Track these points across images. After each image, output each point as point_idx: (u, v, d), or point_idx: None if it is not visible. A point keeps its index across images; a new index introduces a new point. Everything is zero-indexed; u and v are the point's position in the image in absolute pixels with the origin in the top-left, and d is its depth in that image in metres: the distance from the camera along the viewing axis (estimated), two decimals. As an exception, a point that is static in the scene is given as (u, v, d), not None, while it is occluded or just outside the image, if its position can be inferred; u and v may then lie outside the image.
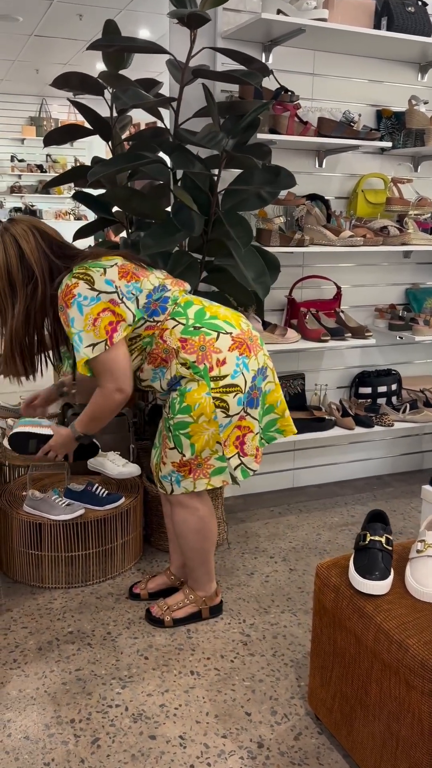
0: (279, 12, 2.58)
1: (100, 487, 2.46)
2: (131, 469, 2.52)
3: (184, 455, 1.97)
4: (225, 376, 1.92)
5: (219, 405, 1.93)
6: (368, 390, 3.26)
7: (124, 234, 2.98)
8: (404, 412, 3.18)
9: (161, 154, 2.49)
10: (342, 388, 3.36)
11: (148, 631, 2.17)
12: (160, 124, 2.61)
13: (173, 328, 1.94)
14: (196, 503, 2.06)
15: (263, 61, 2.74)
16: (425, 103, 3.02)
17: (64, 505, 2.36)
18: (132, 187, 2.59)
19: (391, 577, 1.61)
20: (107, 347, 1.86)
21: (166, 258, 2.43)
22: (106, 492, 2.46)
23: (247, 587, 2.46)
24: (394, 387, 3.32)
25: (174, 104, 2.39)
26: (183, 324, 1.94)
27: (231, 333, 1.95)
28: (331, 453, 3.42)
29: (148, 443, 3.13)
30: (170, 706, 1.85)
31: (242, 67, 2.51)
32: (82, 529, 2.36)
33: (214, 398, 1.92)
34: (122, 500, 2.46)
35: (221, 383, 1.92)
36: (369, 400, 3.26)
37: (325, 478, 3.44)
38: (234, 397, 1.93)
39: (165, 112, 2.66)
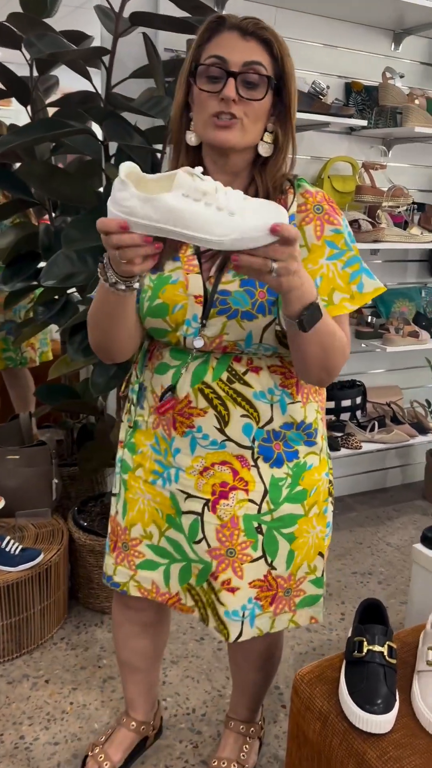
0: None
1: (12, 542, 1.96)
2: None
3: (274, 569, 1.27)
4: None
5: (330, 492, 1.35)
6: (331, 404, 2.87)
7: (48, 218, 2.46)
8: (372, 430, 2.80)
9: (94, 126, 1.99)
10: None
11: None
12: (90, 88, 2.10)
13: None
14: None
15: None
16: (401, 77, 2.60)
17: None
18: (54, 164, 2.07)
19: (397, 703, 1.20)
20: None
21: (98, 255, 1.93)
22: (20, 547, 1.97)
23: (197, 659, 2.03)
24: (358, 400, 2.93)
25: (106, 60, 1.88)
26: None
27: None
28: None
29: (74, 469, 2.64)
30: None
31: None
32: (-11, 597, 1.87)
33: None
34: (41, 557, 1.98)
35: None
36: (332, 417, 2.86)
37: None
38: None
39: (95, 75, 2.15)
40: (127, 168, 0.88)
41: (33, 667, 1.95)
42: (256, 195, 1.15)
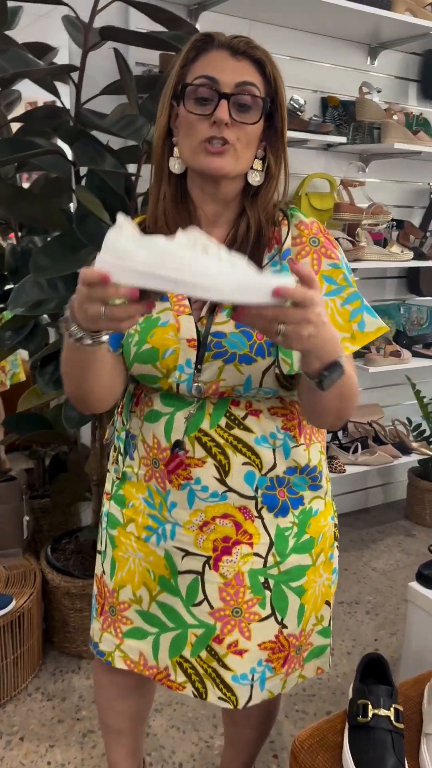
0: (211, -36, 2.02)
1: (-18, 589, 1.84)
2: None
3: (285, 627, 1.16)
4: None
5: (336, 535, 1.25)
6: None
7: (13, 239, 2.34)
8: (355, 452, 2.73)
9: (61, 143, 1.88)
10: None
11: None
12: (57, 103, 1.99)
13: None
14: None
15: (189, 28, 2.16)
16: (379, 91, 2.55)
17: None
18: (20, 186, 1.96)
19: (407, 774, 1.12)
20: None
21: (71, 283, 1.82)
22: (-9, 594, 1.85)
23: (182, 706, 1.92)
24: (339, 421, 2.86)
25: (75, 75, 1.77)
26: None
27: None
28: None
29: (47, 501, 2.51)
30: None
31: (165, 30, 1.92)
32: (-43, 650, 1.74)
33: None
34: (13, 604, 1.85)
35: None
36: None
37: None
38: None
39: (62, 87, 2.04)
40: (124, 219, 0.78)
41: (6, 723, 1.82)
42: (247, 228, 1.06)
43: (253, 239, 1.06)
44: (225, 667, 1.13)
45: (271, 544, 1.12)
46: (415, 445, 2.82)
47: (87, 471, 2.28)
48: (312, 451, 1.14)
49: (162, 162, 1.08)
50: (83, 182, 1.84)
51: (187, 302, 1.06)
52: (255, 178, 1.07)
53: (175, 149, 1.06)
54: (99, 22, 1.74)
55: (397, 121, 2.46)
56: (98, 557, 1.26)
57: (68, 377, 1.04)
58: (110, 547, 1.21)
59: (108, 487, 1.24)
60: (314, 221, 1.10)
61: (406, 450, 2.81)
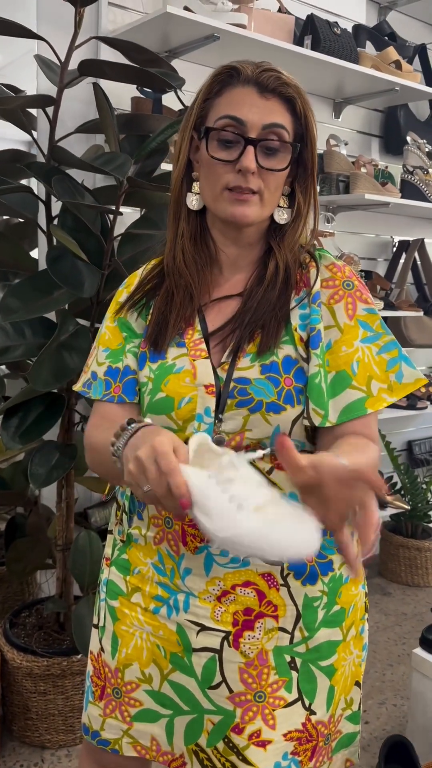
0: (186, 9, 1.99)
1: None
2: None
3: (313, 714, 1.00)
4: None
5: (366, 606, 1.11)
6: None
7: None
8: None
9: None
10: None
11: None
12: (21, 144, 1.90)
13: None
14: None
15: (160, 74, 2.12)
16: (346, 144, 2.57)
17: None
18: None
19: None
20: None
21: (47, 328, 1.68)
22: None
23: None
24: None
25: (50, 111, 1.68)
26: None
27: None
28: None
29: (2, 570, 2.28)
30: None
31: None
32: None
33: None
34: (-31, 691, 1.62)
35: None
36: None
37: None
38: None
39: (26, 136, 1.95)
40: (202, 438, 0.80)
41: None
42: (276, 270, 0.97)
43: (282, 281, 0.97)
44: (246, 761, 0.97)
45: (299, 616, 0.98)
46: (389, 498, 2.75)
47: (50, 535, 2.09)
48: None
49: (180, 198, 1.00)
50: (56, 222, 1.73)
51: (204, 346, 0.96)
52: (282, 216, 0.99)
53: (194, 184, 0.99)
54: (72, 63, 1.67)
55: (366, 173, 2.47)
56: (94, 633, 1.09)
57: (95, 463, 1.02)
58: (111, 621, 1.04)
59: (108, 551, 1.09)
60: (346, 265, 1.02)
61: (381, 504, 2.72)
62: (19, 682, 1.82)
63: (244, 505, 0.71)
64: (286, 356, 0.94)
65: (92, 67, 1.56)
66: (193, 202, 0.99)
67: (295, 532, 0.71)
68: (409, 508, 2.80)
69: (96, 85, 1.63)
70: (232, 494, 0.72)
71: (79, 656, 1.81)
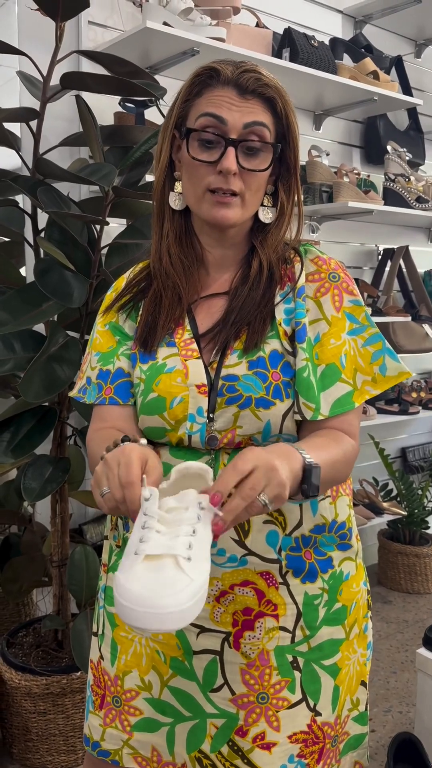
0: (165, 25, 2.02)
1: None
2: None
3: (318, 715, 0.99)
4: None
5: (369, 604, 1.10)
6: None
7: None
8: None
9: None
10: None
11: None
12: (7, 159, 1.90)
13: None
14: None
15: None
16: (327, 154, 2.60)
17: None
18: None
19: None
20: None
21: (37, 341, 1.67)
22: None
23: None
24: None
25: (33, 126, 1.69)
26: None
27: None
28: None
29: (-2, 590, 2.25)
30: None
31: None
32: None
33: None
34: (-33, 713, 1.59)
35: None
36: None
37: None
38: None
39: (8, 152, 1.96)
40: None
41: None
42: (259, 268, 0.98)
43: (265, 278, 0.98)
44: (251, 765, 0.95)
45: (299, 615, 0.97)
46: (385, 504, 2.74)
47: (45, 552, 2.06)
48: (339, 504, 1.01)
49: (163, 198, 1.01)
50: (42, 235, 1.73)
51: (195, 346, 0.96)
52: (267, 215, 1.00)
53: (177, 184, 0.99)
54: (54, 79, 1.68)
55: (349, 182, 2.50)
56: (94, 641, 1.07)
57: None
58: (110, 627, 1.03)
59: (105, 557, 1.07)
60: (332, 258, 1.02)
61: (377, 510, 2.71)
62: (18, 702, 1.79)
63: (141, 548, 0.72)
64: (272, 351, 0.94)
65: (74, 80, 1.58)
66: (175, 201, 0.99)
67: (158, 596, 0.68)
68: (405, 513, 2.79)
69: (79, 97, 1.64)
70: (145, 534, 0.73)
71: (79, 673, 1.78)
